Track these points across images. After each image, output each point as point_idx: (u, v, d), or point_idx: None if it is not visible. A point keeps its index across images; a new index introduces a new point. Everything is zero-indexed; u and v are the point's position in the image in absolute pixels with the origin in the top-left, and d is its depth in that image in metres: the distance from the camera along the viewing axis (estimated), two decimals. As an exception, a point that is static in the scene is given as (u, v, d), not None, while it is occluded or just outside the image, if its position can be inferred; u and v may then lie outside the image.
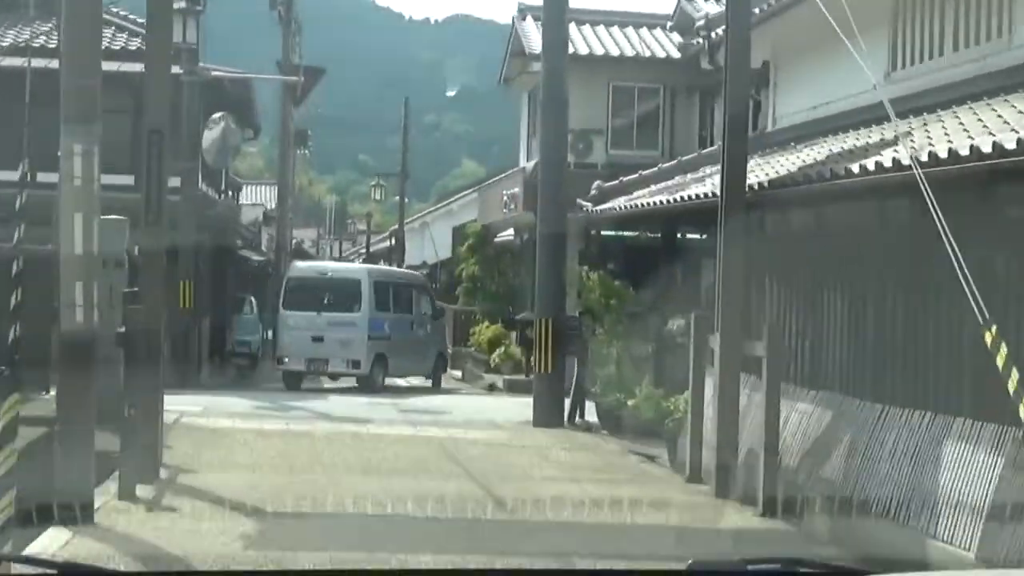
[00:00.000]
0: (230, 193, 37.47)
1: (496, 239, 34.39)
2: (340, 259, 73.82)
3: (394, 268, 39.12)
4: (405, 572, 7.83)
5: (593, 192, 20.38)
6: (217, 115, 25.03)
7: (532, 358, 26.61)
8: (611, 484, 14.15)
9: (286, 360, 26.78)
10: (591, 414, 20.09)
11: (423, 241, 50.04)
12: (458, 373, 33.34)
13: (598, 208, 19.89)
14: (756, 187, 13.22)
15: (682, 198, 15.75)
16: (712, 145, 20.51)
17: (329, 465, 14.28)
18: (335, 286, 27.26)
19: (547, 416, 19.82)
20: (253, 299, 35.73)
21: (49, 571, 3.70)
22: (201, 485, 12.44)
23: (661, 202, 16.46)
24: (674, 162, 20.33)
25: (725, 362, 13.16)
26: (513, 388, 26.54)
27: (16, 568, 3.95)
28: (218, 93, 26.47)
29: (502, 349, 29.54)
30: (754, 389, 13.78)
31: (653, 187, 19.43)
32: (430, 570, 8.24)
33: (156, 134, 12.77)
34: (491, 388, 27.95)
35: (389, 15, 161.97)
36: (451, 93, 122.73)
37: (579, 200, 20.63)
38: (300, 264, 31.54)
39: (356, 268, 31.81)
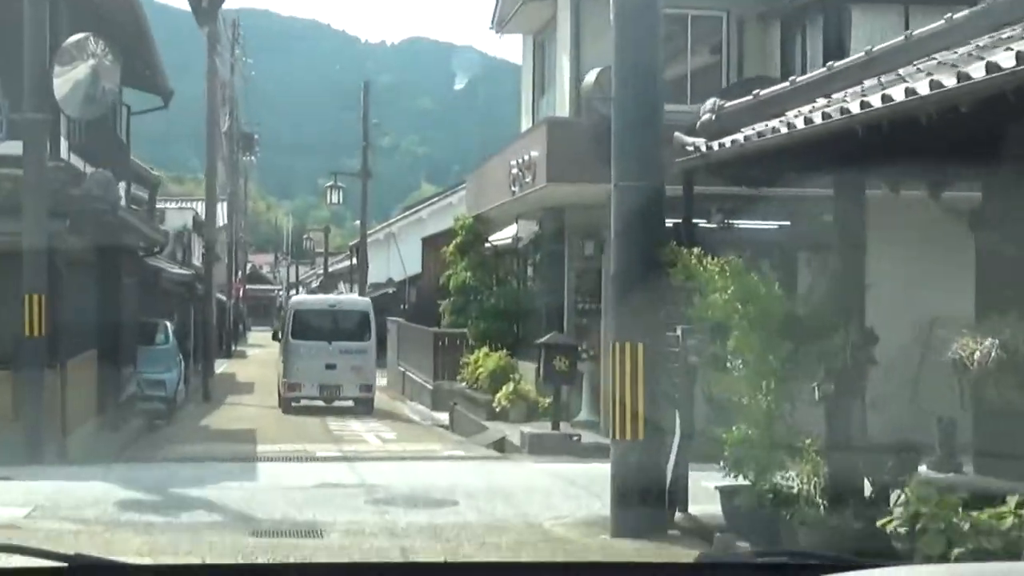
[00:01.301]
0: (143, 192, 27.53)
1: (489, 242, 24.86)
2: (298, 283, 72.14)
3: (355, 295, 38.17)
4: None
5: (705, 117, 10.92)
6: (76, 38, 15.31)
7: (560, 401, 17.42)
8: None
9: (298, 387, 26.68)
10: (700, 499, 10.98)
11: (388, 255, 42.79)
12: (443, 417, 23.72)
13: (720, 143, 10.41)
14: None
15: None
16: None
17: None
18: (344, 316, 27.69)
19: (638, 515, 10.48)
20: (168, 324, 25.79)
21: (59, 564, 3.30)
22: None
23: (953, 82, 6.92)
24: (861, 54, 10.93)
25: None
26: (536, 447, 17.05)
27: (27, 561, 3.33)
28: (90, 15, 16.84)
29: (510, 386, 19.98)
30: None
31: (822, 99, 10.06)
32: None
33: None
34: (500, 445, 18.31)
35: (345, 38, 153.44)
36: (459, 86, 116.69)
37: (677, 135, 11.14)
38: (300, 297, 35.46)
39: (360, 300, 31.52)
